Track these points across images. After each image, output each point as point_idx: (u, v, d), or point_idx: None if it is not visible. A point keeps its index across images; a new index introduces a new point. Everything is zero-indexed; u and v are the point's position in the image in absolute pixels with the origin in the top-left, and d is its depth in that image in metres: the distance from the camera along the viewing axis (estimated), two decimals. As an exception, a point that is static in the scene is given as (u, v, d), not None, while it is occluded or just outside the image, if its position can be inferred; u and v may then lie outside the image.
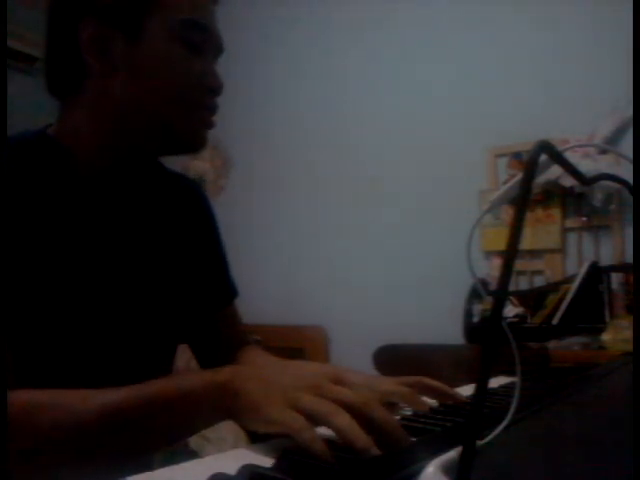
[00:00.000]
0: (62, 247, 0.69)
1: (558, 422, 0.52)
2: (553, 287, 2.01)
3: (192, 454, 2.07)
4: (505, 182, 2.17)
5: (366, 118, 2.59)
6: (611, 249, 2.03)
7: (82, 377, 0.68)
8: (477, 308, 2.05)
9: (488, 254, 2.22)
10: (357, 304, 2.52)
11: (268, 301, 2.63)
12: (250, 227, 2.82)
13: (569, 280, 1.97)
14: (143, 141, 0.74)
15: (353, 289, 2.55)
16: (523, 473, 0.37)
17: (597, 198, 1.98)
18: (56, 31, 0.73)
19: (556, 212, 2.12)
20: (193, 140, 0.76)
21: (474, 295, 2.05)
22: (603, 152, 1.95)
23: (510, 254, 0.28)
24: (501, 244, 2.08)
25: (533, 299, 2.02)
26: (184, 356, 1.14)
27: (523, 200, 0.28)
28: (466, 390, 0.68)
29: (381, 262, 2.50)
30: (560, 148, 0.31)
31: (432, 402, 0.64)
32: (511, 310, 1.98)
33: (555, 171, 1.86)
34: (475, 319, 2.04)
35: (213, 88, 0.75)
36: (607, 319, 1.83)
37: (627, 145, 1.96)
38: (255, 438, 0.51)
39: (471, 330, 2.03)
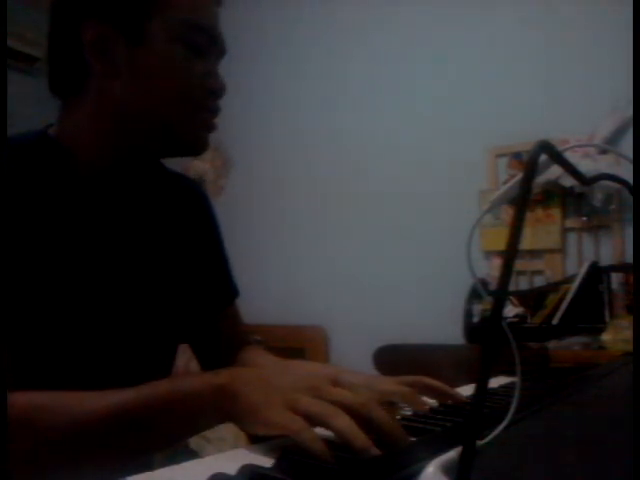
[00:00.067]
0: (63, 248, 0.68)
1: (558, 422, 0.52)
2: (553, 287, 2.01)
3: (192, 454, 2.07)
4: (505, 182, 2.17)
5: (366, 118, 2.59)
6: (611, 249, 2.03)
7: (83, 377, 0.68)
8: (477, 308, 2.05)
9: (488, 254, 2.22)
10: (357, 304, 2.52)
11: (268, 301, 2.63)
12: (250, 227, 2.81)
13: (569, 280, 1.97)
14: (143, 142, 0.74)
15: (353, 289, 2.56)
16: (523, 473, 0.37)
17: (597, 198, 1.98)
18: (59, 31, 0.73)
19: (556, 212, 2.12)
20: (195, 143, 0.75)
21: (474, 295, 2.05)
22: (603, 152, 1.95)
23: (510, 254, 0.28)
24: (501, 244, 2.08)
25: (533, 299, 2.02)
26: (184, 356, 1.14)
27: (523, 200, 0.28)
28: (466, 390, 0.68)
29: (381, 262, 2.50)
30: (560, 148, 0.31)
31: (432, 402, 0.64)
32: (511, 310, 1.98)
33: (555, 171, 1.86)
34: (475, 319, 2.04)
35: (215, 90, 0.75)
36: (607, 319, 1.83)
37: (627, 145, 1.96)
38: (255, 438, 0.51)
39: (471, 330, 2.03)
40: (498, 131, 2.22)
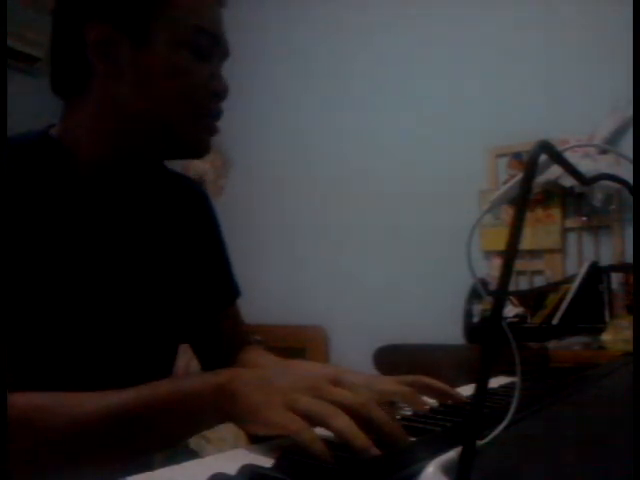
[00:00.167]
0: (63, 248, 0.68)
1: (558, 422, 0.52)
2: (553, 287, 2.01)
3: (192, 454, 2.07)
4: (505, 182, 2.17)
5: (366, 118, 2.59)
6: (611, 249, 2.03)
7: (83, 377, 0.68)
8: (477, 308, 2.05)
9: (488, 254, 2.22)
10: (357, 304, 2.52)
11: (268, 301, 2.63)
12: (250, 227, 2.81)
13: (569, 280, 1.97)
14: (145, 143, 0.74)
15: (353, 289, 2.56)
16: (523, 473, 0.37)
17: (597, 198, 1.98)
18: (62, 31, 0.72)
19: (556, 212, 2.12)
20: (196, 145, 0.75)
21: (474, 295, 2.05)
22: (603, 152, 1.95)
23: (510, 254, 0.28)
24: (501, 244, 2.07)
25: (533, 299, 2.02)
26: (184, 356, 1.14)
27: (523, 200, 0.28)
28: (466, 390, 0.68)
29: (381, 262, 2.50)
30: (560, 148, 0.31)
31: (432, 402, 0.64)
32: (511, 310, 1.98)
33: (555, 171, 1.86)
34: (475, 319, 2.04)
35: (218, 92, 0.75)
36: (607, 319, 1.82)
37: (627, 145, 1.96)
38: (255, 438, 0.51)
39: (471, 330, 2.03)
40: (498, 131, 2.22)
